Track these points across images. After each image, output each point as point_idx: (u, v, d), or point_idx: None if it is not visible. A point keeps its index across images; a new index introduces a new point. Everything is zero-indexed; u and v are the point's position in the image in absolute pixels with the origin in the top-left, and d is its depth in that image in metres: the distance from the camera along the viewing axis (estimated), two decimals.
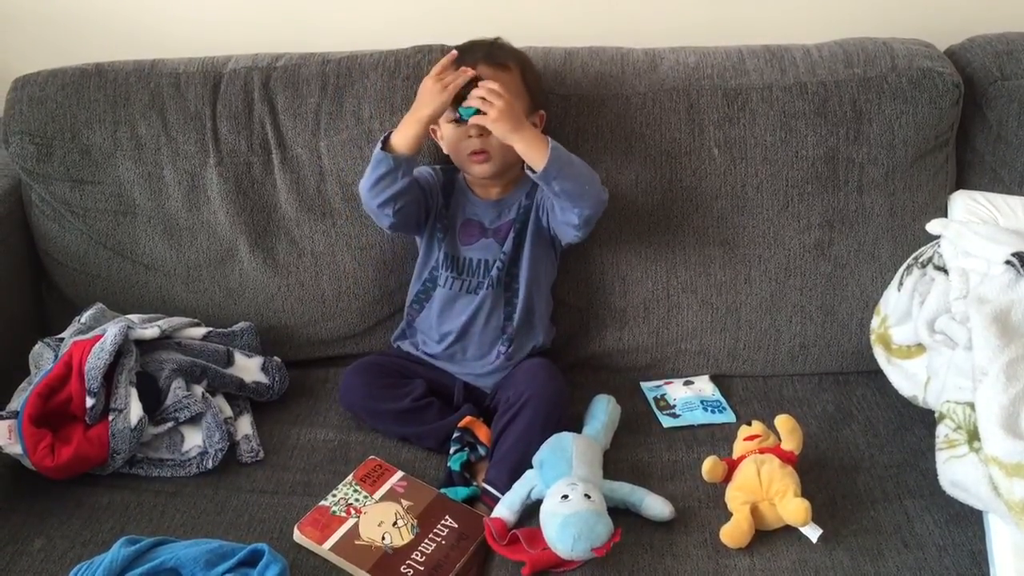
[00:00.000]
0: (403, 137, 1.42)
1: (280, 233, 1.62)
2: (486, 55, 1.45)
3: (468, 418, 1.46)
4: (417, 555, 1.26)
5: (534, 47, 1.63)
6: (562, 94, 1.57)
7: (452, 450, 1.43)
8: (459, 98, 1.40)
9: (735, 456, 1.36)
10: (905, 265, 1.50)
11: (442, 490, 1.38)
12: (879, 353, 1.49)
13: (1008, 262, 1.31)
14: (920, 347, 1.43)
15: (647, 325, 1.62)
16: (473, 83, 1.39)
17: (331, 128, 1.59)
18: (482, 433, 1.45)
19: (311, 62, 1.62)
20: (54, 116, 1.58)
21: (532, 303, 1.55)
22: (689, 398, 1.56)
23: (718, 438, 1.47)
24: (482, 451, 1.44)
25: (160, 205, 1.61)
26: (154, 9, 1.80)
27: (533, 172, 1.39)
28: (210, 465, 1.39)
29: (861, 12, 1.75)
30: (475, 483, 1.40)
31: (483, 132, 1.42)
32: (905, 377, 1.45)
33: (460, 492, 1.37)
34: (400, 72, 1.59)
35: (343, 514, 1.31)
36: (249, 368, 1.54)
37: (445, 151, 1.51)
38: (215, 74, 1.61)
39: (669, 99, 1.56)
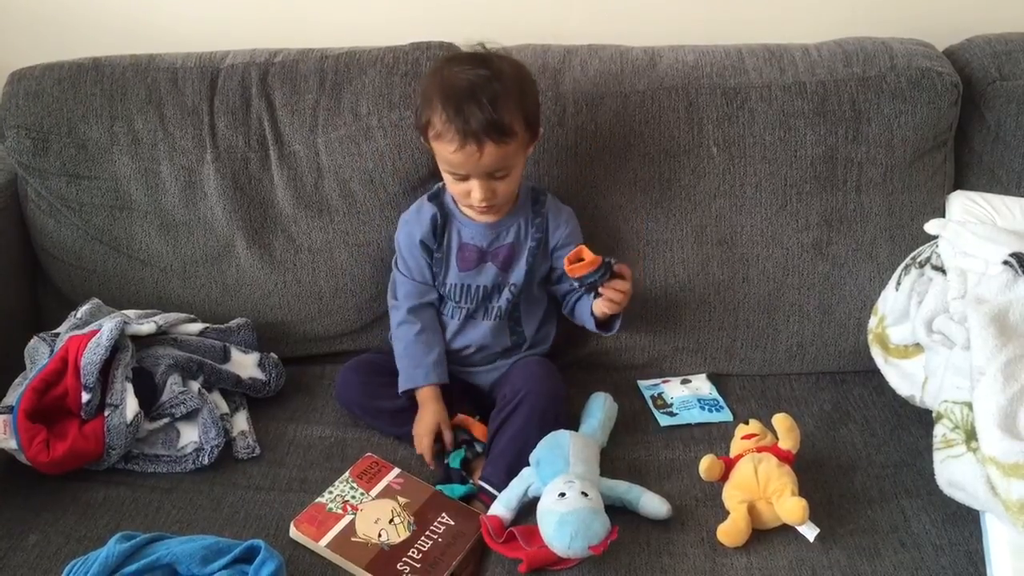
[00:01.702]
0: None
1: (277, 229, 1.62)
2: (487, 127, 1.30)
3: (460, 416, 1.45)
4: (414, 552, 1.26)
5: (532, 44, 1.63)
6: (561, 92, 1.57)
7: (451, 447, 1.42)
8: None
9: (732, 455, 1.36)
10: (903, 265, 1.50)
11: (438, 487, 1.38)
12: (877, 353, 1.50)
13: (1006, 262, 1.31)
14: (918, 347, 1.43)
15: (645, 323, 1.62)
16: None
17: (329, 124, 1.58)
18: (477, 430, 1.45)
19: (309, 58, 1.61)
20: (50, 110, 1.58)
21: (542, 330, 1.56)
22: (686, 397, 1.56)
23: (715, 437, 1.46)
24: (479, 447, 1.44)
25: (157, 200, 1.60)
26: (152, 4, 1.79)
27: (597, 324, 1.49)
28: (206, 461, 1.38)
29: (860, 12, 1.75)
30: (472, 480, 1.40)
31: (491, 195, 1.39)
32: (903, 377, 1.45)
33: (457, 490, 1.37)
34: (399, 69, 1.58)
35: (339, 511, 1.30)
36: (245, 364, 1.54)
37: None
38: (212, 69, 1.61)
39: (668, 97, 1.56)
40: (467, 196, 1.41)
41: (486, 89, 1.32)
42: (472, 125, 1.31)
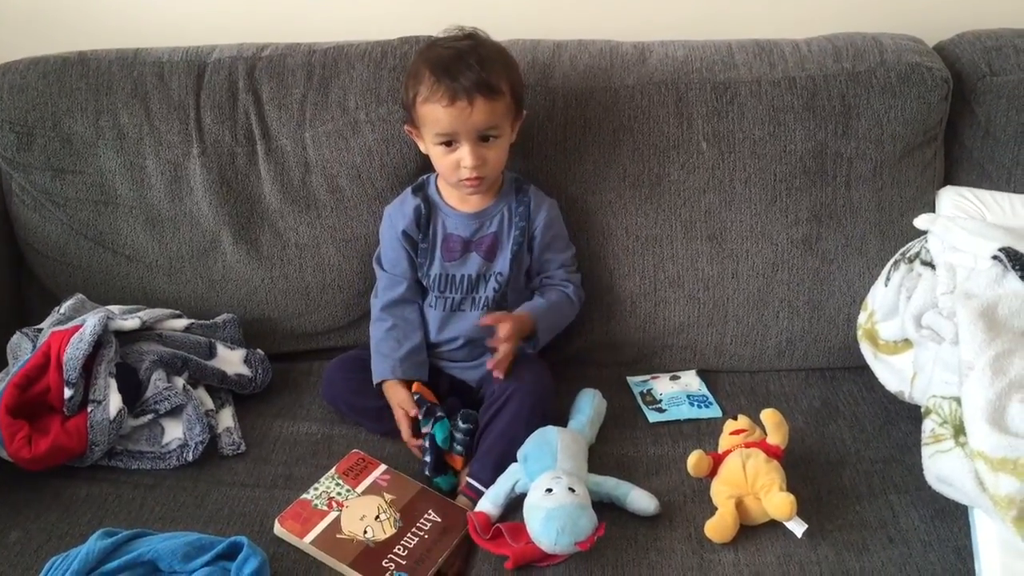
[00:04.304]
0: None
1: (264, 225, 1.61)
2: (478, 83, 1.34)
3: (415, 387, 1.44)
4: (399, 549, 1.25)
5: (522, 39, 1.62)
6: (550, 87, 1.56)
7: (428, 420, 1.40)
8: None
9: (721, 450, 1.35)
10: (892, 260, 1.49)
11: (436, 480, 1.37)
12: (866, 348, 1.49)
13: (995, 257, 1.30)
14: (907, 343, 1.42)
15: (634, 320, 1.61)
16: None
17: (316, 119, 1.57)
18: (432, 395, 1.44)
19: (297, 52, 1.60)
20: (35, 104, 1.57)
21: None
22: (675, 393, 1.56)
23: (704, 433, 1.46)
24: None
25: (142, 195, 1.59)
26: None
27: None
28: (190, 458, 1.37)
29: (850, 7, 1.75)
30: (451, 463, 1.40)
31: (481, 163, 1.39)
32: (892, 372, 1.44)
33: (446, 482, 1.38)
34: (387, 63, 1.57)
35: (325, 507, 1.29)
36: (231, 360, 1.53)
37: (424, 151, 1.48)
38: (199, 63, 1.60)
39: (658, 92, 1.55)
40: (456, 168, 1.40)
41: (472, 53, 1.37)
42: (462, 83, 1.34)
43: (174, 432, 1.39)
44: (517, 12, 1.75)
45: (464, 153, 1.38)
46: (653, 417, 1.51)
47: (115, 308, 1.50)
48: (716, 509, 1.26)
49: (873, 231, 1.57)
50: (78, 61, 1.59)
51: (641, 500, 1.29)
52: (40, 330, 1.46)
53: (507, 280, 1.49)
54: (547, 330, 1.50)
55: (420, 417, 1.41)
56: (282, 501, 1.30)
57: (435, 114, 1.37)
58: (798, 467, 1.33)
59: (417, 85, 1.38)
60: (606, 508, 1.28)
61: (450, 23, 1.47)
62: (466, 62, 1.35)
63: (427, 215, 1.49)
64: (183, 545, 1.13)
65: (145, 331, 1.48)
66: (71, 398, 1.33)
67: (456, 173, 1.41)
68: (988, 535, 1.18)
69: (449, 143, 1.39)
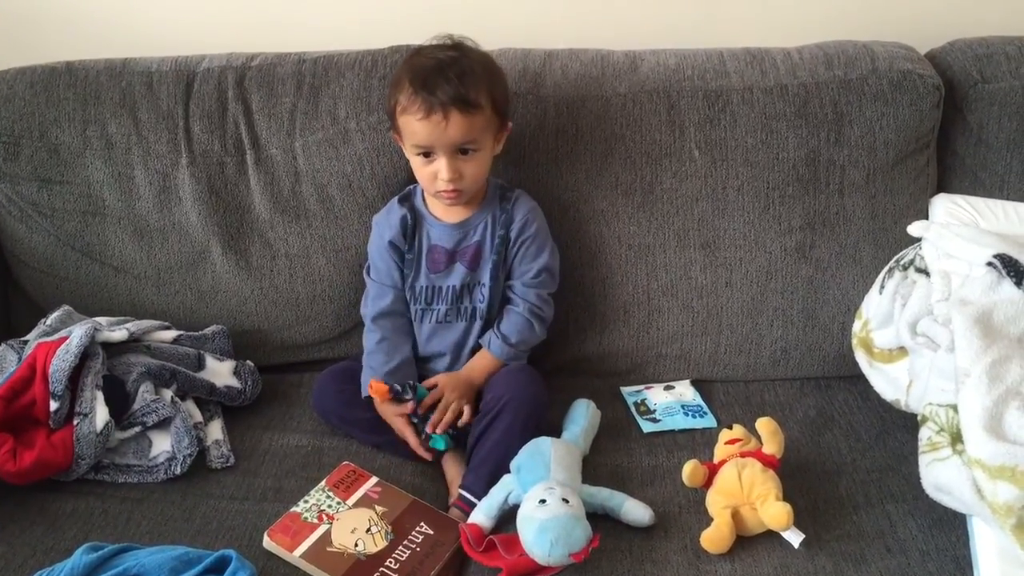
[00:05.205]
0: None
1: (254, 235, 1.59)
2: (454, 98, 1.33)
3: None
4: (391, 562, 1.23)
5: (513, 48, 1.62)
6: (542, 95, 1.56)
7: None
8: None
9: (716, 460, 1.34)
10: (887, 268, 1.49)
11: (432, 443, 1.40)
12: (861, 357, 1.48)
13: (990, 264, 1.30)
14: (902, 351, 1.41)
15: (627, 329, 1.60)
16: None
17: (306, 128, 1.56)
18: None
19: (287, 61, 1.59)
20: (22, 114, 1.55)
21: None
22: (670, 403, 1.54)
23: (699, 443, 1.45)
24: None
25: (130, 206, 1.58)
26: (127, 8, 1.77)
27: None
28: (178, 471, 1.35)
29: (841, 16, 1.75)
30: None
31: (458, 176, 1.39)
32: (887, 381, 1.43)
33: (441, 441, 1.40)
34: (377, 71, 1.57)
35: (315, 520, 1.27)
36: (221, 372, 1.51)
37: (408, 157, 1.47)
38: (188, 73, 1.59)
39: (649, 100, 1.55)
40: (434, 180, 1.40)
41: (453, 66, 1.36)
42: (439, 96, 1.33)
43: (162, 445, 1.37)
44: (508, 21, 1.75)
45: (441, 166, 1.38)
46: (647, 427, 1.49)
47: (102, 320, 1.48)
48: (712, 519, 1.25)
49: (867, 239, 1.56)
50: (66, 71, 1.58)
51: (636, 511, 1.28)
52: (26, 342, 1.44)
53: (491, 290, 1.48)
54: (516, 358, 1.49)
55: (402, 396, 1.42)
56: (271, 514, 1.28)
57: (411, 126, 1.36)
58: (794, 477, 1.32)
59: (397, 94, 1.38)
60: (600, 519, 1.27)
61: (439, 32, 1.46)
62: (445, 75, 1.34)
63: (413, 225, 1.49)
64: (170, 559, 1.11)
65: (133, 343, 1.46)
66: (57, 411, 1.31)
67: (434, 184, 1.41)
68: (987, 544, 1.17)
69: (427, 154, 1.39)
